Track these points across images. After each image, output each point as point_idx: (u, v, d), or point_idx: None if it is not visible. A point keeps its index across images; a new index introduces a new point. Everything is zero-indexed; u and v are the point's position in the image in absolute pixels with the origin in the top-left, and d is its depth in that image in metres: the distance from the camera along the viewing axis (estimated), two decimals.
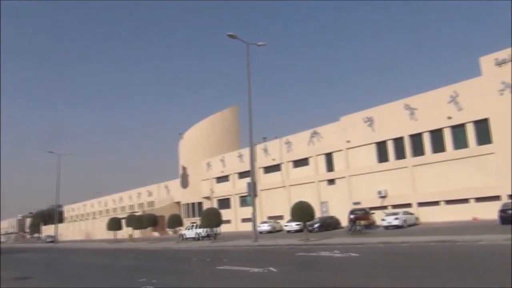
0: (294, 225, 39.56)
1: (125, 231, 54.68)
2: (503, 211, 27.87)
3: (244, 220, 55.58)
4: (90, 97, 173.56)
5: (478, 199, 35.96)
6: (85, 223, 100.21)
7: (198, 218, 53.46)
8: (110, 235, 51.79)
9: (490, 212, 30.99)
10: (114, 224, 50.92)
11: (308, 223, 30.66)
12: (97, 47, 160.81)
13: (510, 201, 31.15)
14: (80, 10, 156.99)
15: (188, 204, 69.57)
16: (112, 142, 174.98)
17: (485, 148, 35.99)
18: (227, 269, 14.88)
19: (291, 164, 53.05)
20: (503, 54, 35.23)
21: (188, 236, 45.30)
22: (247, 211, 42.58)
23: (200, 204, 66.72)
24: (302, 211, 27.59)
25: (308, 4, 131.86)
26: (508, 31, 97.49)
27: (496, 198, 34.03)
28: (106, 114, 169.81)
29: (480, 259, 13.59)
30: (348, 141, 46.00)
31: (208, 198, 65.70)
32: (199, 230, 42.37)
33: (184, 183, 70.01)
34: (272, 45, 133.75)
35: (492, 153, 35.46)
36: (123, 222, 51.07)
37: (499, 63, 35.32)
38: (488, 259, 13.36)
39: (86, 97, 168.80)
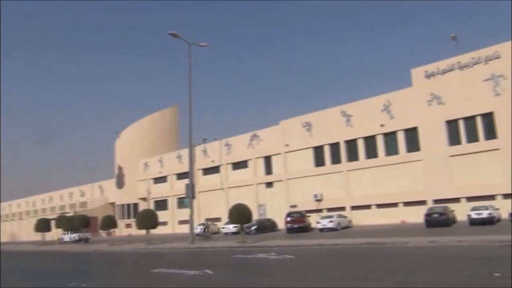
0: (231, 227, 39.61)
1: (55, 233, 52.08)
2: (428, 215, 29.67)
3: (182, 222, 54.86)
4: (19, 90, 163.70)
5: (406, 203, 37.96)
6: (10, 224, 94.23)
7: (133, 219, 52.04)
8: (38, 236, 48.98)
9: (417, 215, 32.81)
10: (43, 225, 48.14)
11: (245, 225, 30.82)
12: (25, 42, 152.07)
13: (435, 205, 33.23)
14: None
15: (123, 205, 67.55)
16: (42, 138, 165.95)
17: (414, 155, 38.07)
18: (162, 272, 14.60)
19: (230, 166, 53.15)
20: (432, 67, 37.51)
21: (66, 240, 47.30)
22: (184, 213, 42.05)
23: (136, 205, 65.03)
24: (240, 214, 27.66)
25: (250, 4, 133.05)
26: (438, 44, 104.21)
27: (423, 202, 36.11)
28: (36, 109, 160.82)
29: (407, 259, 14.30)
30: (287, 145, 46.86)
31: (144, 199, 64.16)
32: (74, 235, 46.19)
33: (120, 183, 67.89)
34: (216, 46, 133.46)
35: (420, 160, 37.57)
36: (53, 223, 48.60)
37: (429, 76, 37.58)
38: (414, 260, 14.10)
39: (14, 89, 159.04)
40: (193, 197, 30.57)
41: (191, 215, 29.92)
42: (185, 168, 49.61)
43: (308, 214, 39.03)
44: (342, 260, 15.20)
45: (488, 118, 34.61)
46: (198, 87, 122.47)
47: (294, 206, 44.26)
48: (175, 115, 70.20)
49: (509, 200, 31.64)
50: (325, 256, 17.01)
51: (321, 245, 21.55)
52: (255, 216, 42.00)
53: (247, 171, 51.01)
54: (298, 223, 35.88)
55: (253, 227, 38.09)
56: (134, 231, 50.95)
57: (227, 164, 53.24)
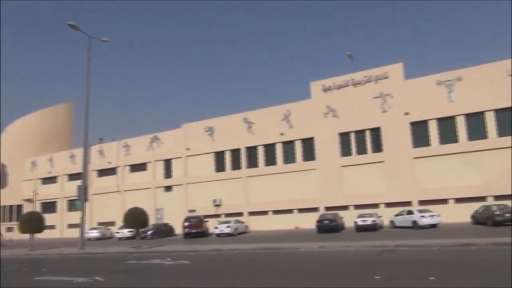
0: (126, 232, 38.14)
1: None
2: (319, 221, 31.33)
3: (71, 226, 51.56)
4: None
5: (301, 210, 39.70)
6: None
7: (16, 222, 47.69)
8: None
9: (310, 222, 34.46)
10: None
11: (141, 230, 29.87)
12: None
13: (326, 212, 35.20)
14: None
15: (5, 206, 61.57)
16: None
17: (310, 164, 40.00)
18: (46, 279, 13.54)
19: (128, 168, 51.24)
20: (330, 81, 39.87)
21: None
22: (75, 216, 39.54)
23: (19, 207, 59.72)
24: (135, 218, 26.72)
25: (158, 3, 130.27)
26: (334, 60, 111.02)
27: (316, 209, 38.04)
28: None
29: (298, 263, 14.91)
30: (188, 149, 46.46)
31: (30, 200, 59.14)
32: None
33: (2, 183, 61.85)
34: (119, 44, 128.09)
35: (315, 169, 39.57)
36: None
37: (326, 89, 39.87)
38: (304, 264, 14.74)
39: None
40: (86, 199, 28.86)
41: (83, 218, 28.24)
42: (78, 168, 46.76)
43: (207, 219, 39.01)
44: (238, 265, 15.38)
45: (376, 132, 37.61)
46: (97, 85, 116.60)
47: (193, 210, 43.96)
48: (69, 112, 65.97)
49: (390, 209, 34.61)
50: (221, 261, 17.09)
51: (217, 250, 21.61)
52: (152, 221, 41.01)
53: (146, 174, 49.59)
54: (196, 228, 35.68)
55: (149, 232, 37.07)
56: (17, 235, 46.73)
57: (125, 166, 51.27)
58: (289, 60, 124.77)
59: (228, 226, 34.54)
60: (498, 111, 33.36)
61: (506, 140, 32.60)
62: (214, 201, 43.50)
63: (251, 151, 43.51)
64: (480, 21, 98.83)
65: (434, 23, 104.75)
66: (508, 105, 32.79)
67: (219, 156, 45.17)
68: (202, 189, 44.85)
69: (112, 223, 48.14)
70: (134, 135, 52.74)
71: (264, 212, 41.67)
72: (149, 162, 49.45)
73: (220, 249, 22.03)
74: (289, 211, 40.41)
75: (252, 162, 43.31)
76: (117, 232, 40.39)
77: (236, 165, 43.98)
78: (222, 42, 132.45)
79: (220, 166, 44.99)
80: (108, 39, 30.42)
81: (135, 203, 37.30)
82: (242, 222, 38.38)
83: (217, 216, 42.74)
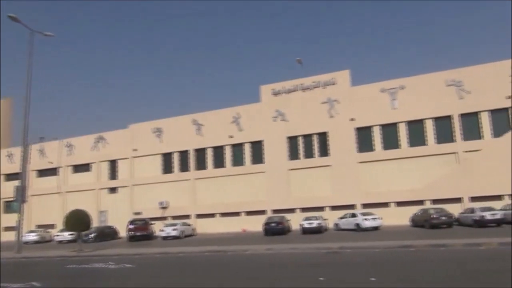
0: (67, 235, 36.67)
1: None
2: (267, 224, 31.58)
3: (8, 229, 48.72)
4: None
5: (248, 213, 39.84)
6: None
7: None
8: None
9: (258, 224, 34.64)
10: None
11: (83, 233, 28.82)
12: None
13: (273, 215, 35.56)
14: None
15: None
16: None
17: (258, 167, 40.25)
18: None
19: (70, 168, 49.27)
20: (279, 85, 40.38)
21: None
22: (12, 218, 37.39)
23: None
24: (77, 220, 25.74)
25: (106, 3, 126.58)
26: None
27: (263, 212, 38.34)
28: None
29: (245, 266, 14.94)
30: (135, 150, 45.41)
31: None
32: None
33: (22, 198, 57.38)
34: (65, 39, 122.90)
35: (263, 172, 39.87)
36: None
37: (276, 93, 40.35)
38: (252, 266, 14.80)
39: None
40: (24, 201, 27.45)
41: (20, 220, 26.81)
42: (16, 168, 44.36)
43: (153, 222, 38.25)
44: (184, 269, 15.19)
45: (323, 137, 38.47)
46: (40, 81, 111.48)
47: (139, 213, 42.98)
48: (7, 108, 62.55)
49: (335, 212, 35.50)
50: (167, 264, 16.79)
51: (163, 253, 21.25)
52: (96, 223, 39.77)
53: (90, 175, 47.91)
54: (141, 231, 34.88)
55: (92, 235, 35.80)
56: None
57: (67, 166, 49.27)
58: (240, 63, 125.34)
59: (174, 229, 34.03)
60: (437, 119, 35.11)
61: (444, 147, 34.36)
62: (161, 203, 42.74)
63: (200, 153, 43.19)
64: (423, 31, 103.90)
65: (381, 32, 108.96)
66: (446, 113, 34.60)
67: (167, 158, 44.47)
68: (149, 191, 43.95)
69: (52, 226, 46.13)
70: (78, 134, 50.83)
71: (212, 215, 41.45)
72: (93, 162, 47.81)
73: (166, 252, 21.68)
74: (237, 213, 40.46)
75: (201, 164, 42.99)
76: (57, 235, 38.71)
77: (184, 167, 43.48)
78: (172, 43, 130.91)
79: (167, 167, 44.30)
80: (52, 33, 29.15)
81: (77, 205, 35.97)
82: (189, 225, 37.96)
83: (163, 218, 42.05)
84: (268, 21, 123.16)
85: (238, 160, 41.64)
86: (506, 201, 30.94)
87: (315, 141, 38.83)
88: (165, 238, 33.65)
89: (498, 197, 31.75)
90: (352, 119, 37.30)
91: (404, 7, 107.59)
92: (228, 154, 41.99)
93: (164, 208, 42.85)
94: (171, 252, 21.57)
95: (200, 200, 42.09)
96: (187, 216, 41.53)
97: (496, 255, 14.24)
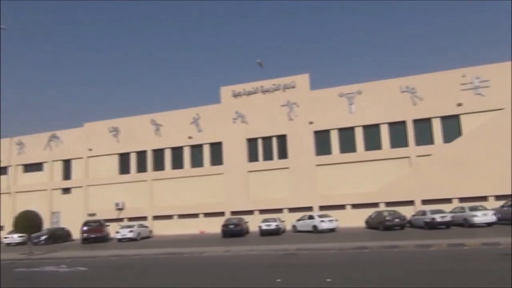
0: (16, 237, 35.18)
1: None
2: (225, 225, 31.53)
3: None
4: None
5: (207, 214, 39.57)
6: None
7: None
8: None
9: (216, 226, 34.48)
10: None
11: (34, 235, 27.74)
12: None
13: (231, 217, 35.53)
14: None
15: None
16: None
17: (217, 168, 40.08)
18: None
19: (21, 168, 47.28)
20: (240, 87, 40.43)
21: None
22: None
23: None
24: (27, 221, 24.77)
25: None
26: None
27: (222, 214, 38.21)
28: None
29: (203, 268, 14.85)
30: (90, 149, 44.16)
31: None
32: None
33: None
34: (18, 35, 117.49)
35: (222, 173, 39.76)
36: None
37: (236, 95, 40.37)
38: (209, 268, 14.73)
39: None
40: None
41: None
42: None
43: (108, 224, 37.31)
44: (139, 271, 14.91)
45: (282, 139, 38.81)
46: None
47: (93, 214, 41.81)
48: None
49: (293, 214, 35.88)
50: (122, 267, 16.44)
51: (118, 256, 20.79)
52: (47, 225, 38.39)
53: (42, 175, 46.14)
54: (96, 233, 33.95)
55: (43, 237, 34.50)
56: None
57: (17, 165, 47.24)
58: (200, 63, 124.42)
59: (130, 231, 33.32)
60: (391, 124, 36.19)
61: (397, 151, 35.46)
62: (117, 204, 41.75)
63: (158, 153, 42.54)
64: (380, 37, 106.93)
65: (340, 37, 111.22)
66: (400, 119, 35.74)
67: (124, 158, 43.50)
68: (104, 192, 42.82)
69: (0, 228, 44.08)
70: (29, 132, 48.85)
71: (169, 216, 40.89)
72: (45, 162, 46.08)
73: (121, 254, 21.24)
74: (195, 215, 40.10)
75: (159, 165, 42.35)
76: (6, 238, 37.06)
77: (141, 168, 42.67)
78: (131, 40, 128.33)
79: (124, 168, 43.34)
80: (4, 26, 27.92)
81: (28, 205, 34.65)
82: (146, 227, 37.30)
83: (119, 220, 41.11)
84: (230, 23, 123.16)
85: (197, 161, 41.31)
86: (455, 204, 32.27)
87: (274, 143, 39.13)
88: (120, 240, 32.91)
89: (448, 200, 33.08)
90: (310, 122, 37.85)
91: (363, 13, 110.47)
92: (186, 155, 41.58)
93: (120, 209, 41.90)
94: (126, 254, 21.15)
95: (158, 201, 41.45)
96: (144, 218, 40.80)
97: (445, 256, 14.84)
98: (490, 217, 26.80)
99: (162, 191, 41.31)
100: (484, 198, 32.17)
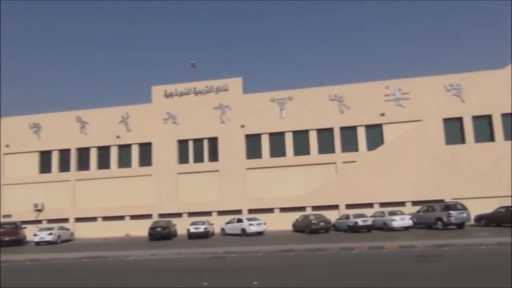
0: None
1: None
2: (152, 228, 30.80)
3: None
4: None
5: (133, 217, 38.45)
6: None
7: None
8: None
9: (143, 229, 33.61)
10: None
11: None
12: None
13: (158, 219, 34.83)
14: None
15: None
16: None
17: (146, 169, 39.12)
18: None
19: None
20: (172, 88, 39.81)
21: None
22: None
23: None
24: None
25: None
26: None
27: (149, 216, 37.32)
28: None
29: (126, 272, 14.38)
30: (7, 146, 41.28)
31: None
32: None
33: None
34: None
35: (151, 174, 38.86)
36: None
37: (168, 95, 39.68)
38: (134, 273, 14.31)
39: None
40: None
41: None
42: None
43: (24, 226, 34.99)
44: (57, 277, 14.14)
45: (213, 142, 38.74)
46: None
47: (8, 215, 39.05)
48: None
49: (222, 217, 35.88)
50: (38, 272, 15.49)
51: (35, 260, 19.58)
52: None
53: None
54: (10, 236, 31.65)
55: None
56: None
57: None
58: (131, 62, 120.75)
59: (50, 233, 31.49)
60: (320, 131, 37.42)
61: (325, 157, 36.71)
62: (36, 205, 39.32)
63: (83, 152, 40.67)
64: (313, 44, 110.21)
65: (274, 42, 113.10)
66: (328, 126, 37.07)
67: (45, 156, 41.10)
68: (22, 192, 40.12)
69: None
70: None
71: (93, 219, 39.20)
72: None
73: (38, 258, 20.03)
74: (121, 217, 38.79)
75: (83, 164, 40.49)
76: None
77: (64, 167, 40.55)
78: (61, 36, 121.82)
79: (45, 167, 40.93)
80: None
81: None
82: (67, 229, 35.44)
83: (38, 222, 38.74)
84: (165, 24, 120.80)
85: (124, 161, 40.03)
86: (376, 208, 34.01)
87: (206, 145, 38.94)
88: (38, 243, 31.03)
89: (370, 205, 34.81)
90: (242, 126, 38.14)
91: (300, 19, 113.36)
92: (114, 155, 40.16)
93: (39, 210, 39.52)
94: (44, 258, 19.98)
95: (81, 202, 39.60)
96: (65, 220, 38.78)
97: (366, 258, 15.57)
98: (407, 221, 28.59)
99: (86, 192, 39.54)
100: (402, 204, 34.20)
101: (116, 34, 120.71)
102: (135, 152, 39.92)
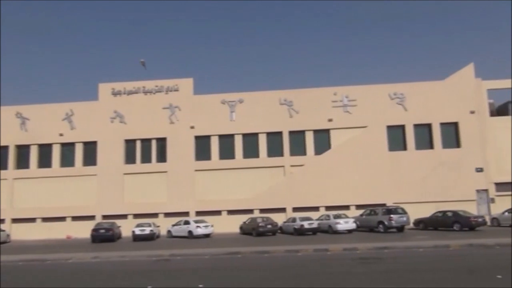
0: None
1: None
2: (95, 230, 29.82)
3: None
4: None
5: (75, 218, 37.02)
6: None
7: None
8: None
9: (85, 231, 32.38)
10: None
11: None
12: None
13: (102, 221, 33.80)
14: None
15: None
16: None
17: (90, 169, 37.82)
18: None
19: None
20: (120, 86, 38.80)
21: None
22: None
23: None
24: None
25: None
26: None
27: (93, 217, 36.10)
28: None
29: (66, 277, 13.86)
30: None
31: None
32: None
33: None
34: None
35: (95, 174, 37.63)
36: None
37: (115, 94, 38.64)
38: (72, 276, 13.82)
39: None
40: None
41: None
42: None
43: None
44: None
45: (162, 142, 38.11)
46: None
47: None
48: None
49: (169, 219, 35.29)
50: None
51: None
52: None
53: None
54: None
55: None
56: None
57: None
58: (77, 58, 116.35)
59: None
60: (269, 134, 37.79)
61: (273, 160, 37.09)
62: None
63: (22, 150, 38.67)
64: (265, 48, 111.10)
65: (226, 44, 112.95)
66: (277, 129, 37.51)
67: None
68: None
69: None
70: None
71: (32, 220, 37.34)
72: None
73: None
74: (62, 218, 37.22)
75: (22, 162, 38.51)
76: None
77: (1, 165, 38.35)
78: (5, 29, 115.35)
79: None
80: None
81: None
82: (3, 230, 33.54)
83: None
84: (113, 17, 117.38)
85: (67, 160, 38.48)
86: (322, 212, 34.72)
87: (154, 146, 38.24)
88: None
89: (316, 208, 35.50)
90: (192, 127, 37.80)
91: (249, 24, 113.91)
92: (56, 153, 38.50)
93: None
94: None
95: (19, 202, 37.60)
96: (1, 221, 36.68)
97: (311, 260, 15.91)
98: (351, 224, 29.50)
99: (24, 191, 37.61)
100: (347, 207, 35.16)
101: (64, 30, 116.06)
102: (79, 151, 38.51)
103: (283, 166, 37.06)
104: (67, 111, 38.66)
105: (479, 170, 35.29)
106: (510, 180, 34.82)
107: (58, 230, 36.41)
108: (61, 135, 38.27)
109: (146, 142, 38.34)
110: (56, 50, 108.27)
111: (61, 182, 37.67)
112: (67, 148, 38.65)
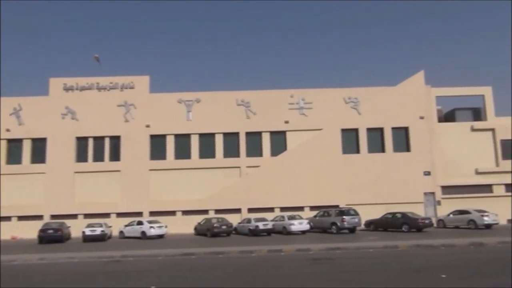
0: None
1: None
2: (42, 230, 28.67)
3: None
4: None
5: (21, 218, 35.42)
6: None
7: None
8: None
9: (32, 231, 31.05)
10: None
11: None
12: None
13: (51, 221, 32.56)
14: None
15: None
16: None
17: (38, 167, 36.35)
18: None
19: None
20: (72, 81, 37.54)
21: None
22: None
23: None
24: None
25: None
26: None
27: (40, 217, 34.68)
28: None
29: (13, 279, 13.26)
30: None
31: None
32: None
33: None
34: None
35: (44, 172, 36.21)
36: None
37: (67, 89, 37.36)
38: (18, 279, 13.25)
39: None
40: None
41: None
42: None
43: None
44: None
45: (116, 141, 37.15)
46: None
47: None
48: None
49: (122, 219, 34.46)
50: None
51: None
52: None
53: None
54: None
55: None
56: None
57: None
58: (28, 52, 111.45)
59: None
60: (226, 134, 37.70)
61: (229, 161, 37.03)
62: None
63: None
64: (224, 49, 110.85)
65: (187, 44, 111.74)
66: (234, 130, 37.51)
67: None
68: None
69: None
70: None
71: None
72: None
73: None
74: (7, 218, 35.48)
75: None
76: None
77: None
78: None
79: None
80: None
81: None
82: None
83: None
84: (69, 17, 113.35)
85: (14, 157, 36.78)
86: (277, 213, 35.01)
87: (107, 144, 37.23)
88: None
89: (271, 209, 35.74)
90: (147, 126, 37.13)
91: (208, 23, 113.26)
92: (2, 149, 36.72)
93: None
94: None
95: None
96: None
97: (264, 261, 16.02)
98: (305, 225, 29.94)
99: None
100: (301, 208, 35.61)
101: (16, 22, 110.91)
102: (27, 148, 36.90)
103: (239, 167, 37.10)
104: (15, 106, 36.98)
105: (427, 173, 36.77)
106: (455, 184, 36.56)
107: (2, 230, 34.66)
108: (7, 130, 36.56)
109: (99, 140, 37.27)
110: (5, 43, 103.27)
111: (6, 179, 35.90)
112: (14, 145, 36.95)
